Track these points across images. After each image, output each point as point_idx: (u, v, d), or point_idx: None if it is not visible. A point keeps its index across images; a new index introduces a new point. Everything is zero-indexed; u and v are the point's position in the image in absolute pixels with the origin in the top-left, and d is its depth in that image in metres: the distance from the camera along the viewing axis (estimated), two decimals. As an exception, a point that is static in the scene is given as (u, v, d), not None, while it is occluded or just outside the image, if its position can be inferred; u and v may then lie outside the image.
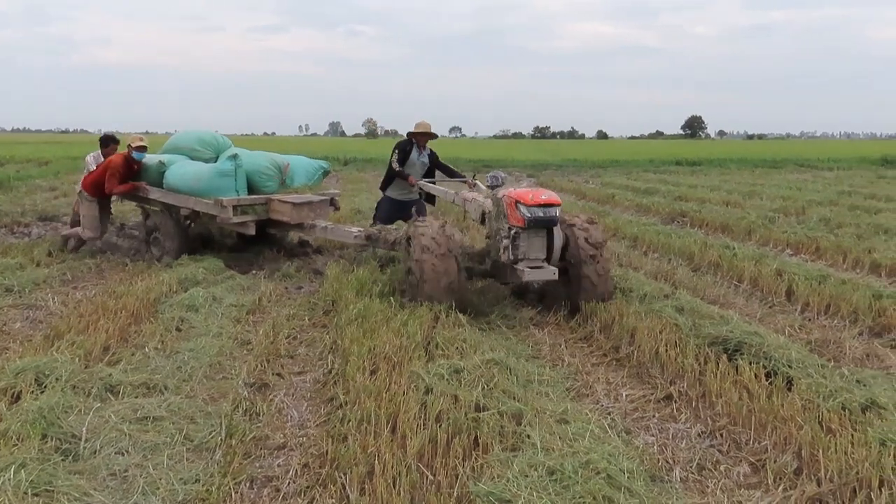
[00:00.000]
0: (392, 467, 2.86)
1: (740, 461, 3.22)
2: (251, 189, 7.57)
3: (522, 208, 5.19)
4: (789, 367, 3.94)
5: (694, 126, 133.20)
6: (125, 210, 10.51)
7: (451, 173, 7.84)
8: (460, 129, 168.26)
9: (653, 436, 3.52)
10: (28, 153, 29.59)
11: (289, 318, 5.55)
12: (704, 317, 4.96)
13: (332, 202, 7.87)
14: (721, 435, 3.47)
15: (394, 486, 2.76)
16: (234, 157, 7.38)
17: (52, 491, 2.71)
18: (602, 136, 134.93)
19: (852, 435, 3.08)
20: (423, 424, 3.23)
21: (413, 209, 7.73)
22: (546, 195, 5.29)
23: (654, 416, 3.77)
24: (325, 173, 8.35)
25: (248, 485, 3.00)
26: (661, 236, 8.97)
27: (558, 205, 5.28)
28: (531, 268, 5.26)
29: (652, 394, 4.04)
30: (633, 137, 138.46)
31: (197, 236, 8.06)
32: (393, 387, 3.66)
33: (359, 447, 3.06)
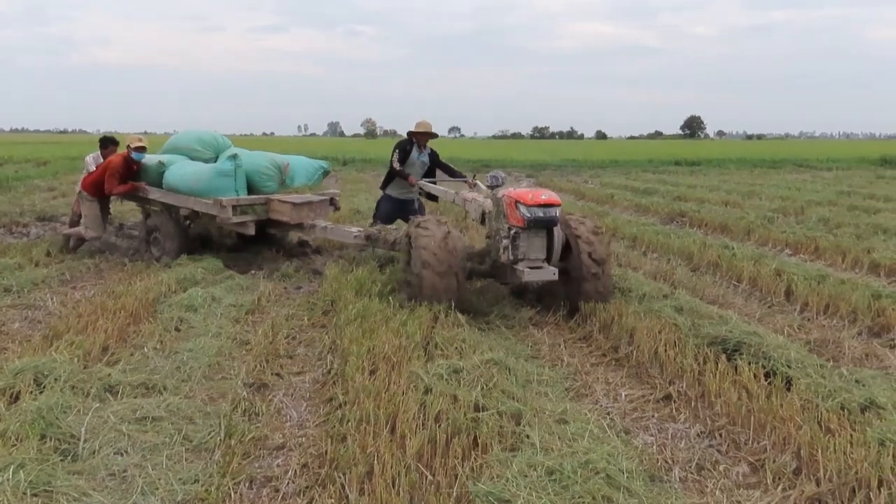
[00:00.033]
0: (391, 467, 2.86)
1: (739, 461, 3.22)
2: (251, 189, 7.57)
3: (522, 208, 5.18)
4: (788, 367, 3.94)
5: (693, 126, 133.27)
6: (124, 210, 10.50)
7: (451, 173, 7.84)
8: (459, 129, 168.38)
9: (652, 436, 3.52)
10: (27, 153, 29.59)
11: (288, 318, 5.55)
12: (703, 317, 4.96)
13: (332, 202, 7.87)
14: (720, 435, 3.47)
15: (393, 487, 2.75)
16: (234, 157, 7.38)
17: (51, 491, 2.71)
18: (601, 136, 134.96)
19: (851, 435, 3.08)
20: (423, 424, 3.23)
21: (416, 205, 7.77)
22: (546, 195, 5.28)
23: (653, 416, 3.77)
24: (326, 173, 8.35)
25: (247, 485, 3.00)
26: (660, 236, 8.97)
27: (558, 205, 5.28)
28: (531, 268, 5.26)
29: (651, 394, 4.04)
30: (632, 137, 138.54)
31: (196, 236, 8.06)
32: (392, 387, 3.65)
33: (358, 447, 3.05)
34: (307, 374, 4.41)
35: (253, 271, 7.21)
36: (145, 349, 4.47)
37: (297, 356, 4.76)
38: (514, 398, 3.54)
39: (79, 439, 3.14)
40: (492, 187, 5.95)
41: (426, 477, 2.88)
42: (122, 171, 7.53)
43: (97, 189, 7.66)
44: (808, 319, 5.58)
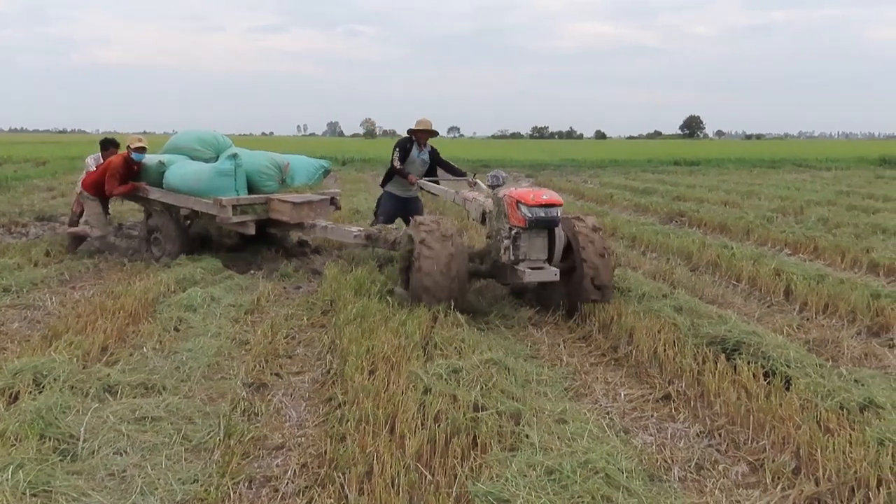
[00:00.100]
0: (391, 467, 2.86)
1: (738, 461, 3.22)
2: (251, 189, 7.57)
3: (524, 208, 5.16)
4: (787, 366, 3.94)
5: (692, 126, 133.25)
6: (123, 210, 10.50)
7: (452, 170, 7.83)
8: (458, 129, 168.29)
9: (651, 435, 3.52)
10: (26, 153, 29.58)
11: (287, 317, 5.55)
12: (703, 316, 4.96)
13: (333, 201, 7.87)
14: (719, 434, 3.47)
15: (392, 486, 2.75)
16: (234, 156, 7.38)
17: (50, 491, 2.71)
18: (600, 136, 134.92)
19: (850, 434, 3.08)
20: (422, 424, 3.23)
21: (418, 204, 7.80)
22: (547, 195, 5.26)
23: (652, 415, 3.77)
24: (326, 172, 8.35)
25: (246, 485, 3.00)
26: (659, 236, 8.98)
27: (560, 205, 5.26)
28: (532, 269, 5.24)
29: (650, 393, 4.04)
30: (631, 137, 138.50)
31: (196, 236, 8.06)
32: (391, 387, 3.65)
33: (357, 447, 3.05)
34: (306, 374, 4.41)
35: (252, 271, 7.21)
36: (144, 349, 4.46)
37: (297, 356, 4.76)
38: (513, 398, 3.54)
39: (78, 439, 3.14)
40: (492, 187, 5.94)
41: (425, 477, 2.88)
42: (123, 172, 7.54)
43: (97, 189, 7.68)
44: (808, 319, 5.58)
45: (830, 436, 3.10)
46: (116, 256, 7.72)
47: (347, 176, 21.55)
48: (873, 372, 4.13)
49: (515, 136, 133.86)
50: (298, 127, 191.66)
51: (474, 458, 2.96)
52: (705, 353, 4.17)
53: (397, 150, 7.57)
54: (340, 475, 2.91)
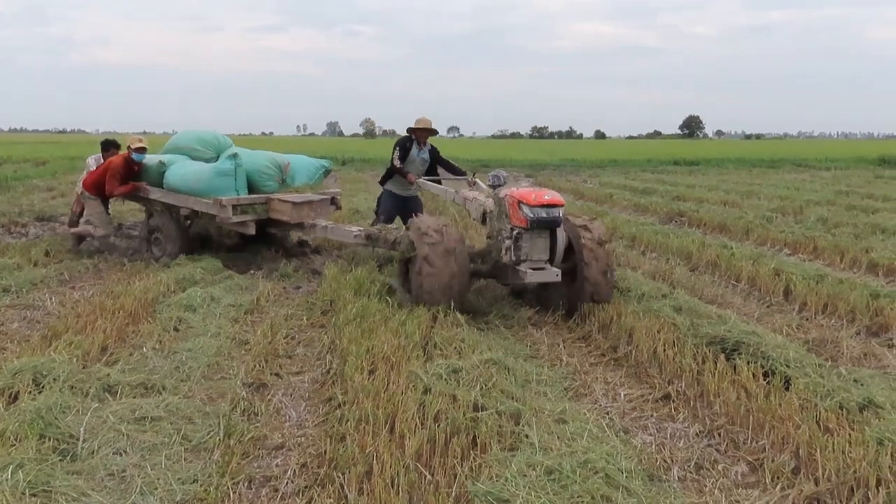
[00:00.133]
0: (390, 467, 2.86)
1: (738, 460, 3.22)
2: (251, 188, 7.57)
3: (525, 209, 5.14)
4: (787, 366, 3.95)
5: (692, 126, 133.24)
6: (123, 210, 10.50)
7: (452, 169, 7.84)
8: (458, 129, 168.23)
9: (651, 435, 3.53)
10: (25, 153, 29.57)
11: (287, 317, 5.55)
12: (702, 316, 4.96)
13: (334, 201, 7.87)
14: (719, 434, 3.47)
15: (392, 486, 2.75)
16: (234, 156, 7.38)
17: (50, 491, 2.71)
18: (600, 135, 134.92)
19: (850, 434, 3.09)
20: (422, 424, 3.23)
21: (418, 203, 7.82)
22: (549, 195, 5.24)
23: (652, 415, 3.77)
24: (327, 172, 8.35)
25: (246, 485, 3.00)
26: (658, 236, 8.98)
27: (562, 205, 5.23)
28: (534, 269, 5.23)
29: (650, 393, 4.04)
30: (630, 137, 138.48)
31: (196, 236, 8.06)
32: (391, 387, 3.65)
33: (357, 447, 3.05)
34: (306, 374, 4.41)
35: (252, 271, 7.21)
36: (144, 349, 4.47)
37: (296, 356, 4.76)
38: (513, 398, 3.54)
39: (78, 439, 3.14)
40: (493, 187, 5.92)
41: (425, 477, 2.88)
42: (123, 172, 7.55)
43: (98, 188, 7.69)
44: (807, 319, 5.58)
45: (830, 435, 3.10)
46: (116, 256, 7.73)
47: (347, 176, 21.55)
48: (872, 372, 4.14)
49: (515, 135, 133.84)
50: (298, 127, 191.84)
51: (474, 458, 2.96)
52: (705, 352, 4.17)
53: (397, 149, 7.57)
54: (340, 475, 2.91)
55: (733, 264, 7.08)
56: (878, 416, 3.29)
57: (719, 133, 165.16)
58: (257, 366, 4.37)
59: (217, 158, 7.68)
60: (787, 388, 3.69)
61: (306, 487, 2.97)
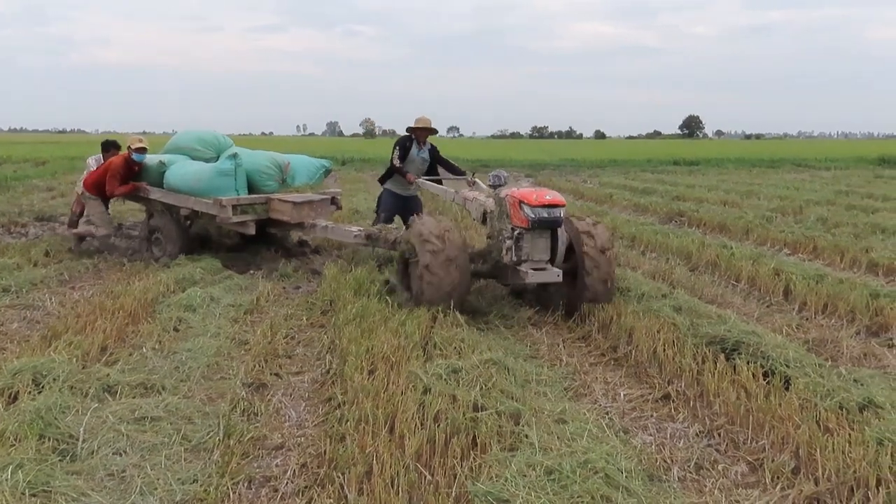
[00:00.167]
0: (390, 467, 2.86)
1: (738, 460, 3.22)
2: (252, 188, 7.57)
3: (526, 209, 5.14)
4: (787, 366, 3.94)
5: (692, 126, 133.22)
6: (124, 210, 10.50)
7: (452, 169, 7.83)
8: (458, 128, 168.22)
9: (651, 435, 3.53)
10: (25, 153, 29.57)
11: (287, 317, 5.55)
12: (702, 316, 4.96)
13: (334, 201, 7.87)
14: (719, 434, 3.47)
15: (392, 486, 2.75)
16: (234, 156, 7.38)
17: (50, 491, 2.71)
18: (600, 135, 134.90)
19: (850, 434, 3.08)
20: (422, 424, 3.23)
21: (417, 202, 7.83)
22: (550, 195, 5.23)
23: (651, 415, 3.77)
24: (327, 172, 8.35)
25: (246, 485, 3.00)
26: (658, 236, 8.98)
27: (563, 205, 5.22)
28: (535, 269, 5.22)
29: (650, 393, 4.04)
30: (630, 137, 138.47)
31: (196, 236, 8.07)
32: (391, 387, 3.65)
33: (357, 447, 3.05)
34: (306, 374, 4.41)
35: (252, 271, 7.21)
36: (144, 349, 4.46)
37: (296, 356, 4.76)
38: (512, 398, 3.54)
39: (77, 439, 3.14)
40: (494, 187, 5.91)
41: (425, 477, 2.88)
42: (123, 172, 7.55)
43: (99, 188, 7.70)
44: (807, 319, 5.58)
45: (830, 435, 3.10)
46: (116, 256, 7.72)
47: (347, 176, 21.56)
48: (872, 372, 4.14)
49: (515, 135, 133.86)
50: (298, 127, 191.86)
51: (474, 458, 2.96)
52: (705, 352, 4.17)
53: (397, 148, 7.57)
54: (340, 475, 2.91)
55: (733, 264, 7.08)
56: (878, 416, 3.29)
57: (719, 133, 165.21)
58: (257, 366, 4.36)
59: (217, 158, 7.68)
60: (786, 388, 3.69)
61: (306, 487, 2.97)
